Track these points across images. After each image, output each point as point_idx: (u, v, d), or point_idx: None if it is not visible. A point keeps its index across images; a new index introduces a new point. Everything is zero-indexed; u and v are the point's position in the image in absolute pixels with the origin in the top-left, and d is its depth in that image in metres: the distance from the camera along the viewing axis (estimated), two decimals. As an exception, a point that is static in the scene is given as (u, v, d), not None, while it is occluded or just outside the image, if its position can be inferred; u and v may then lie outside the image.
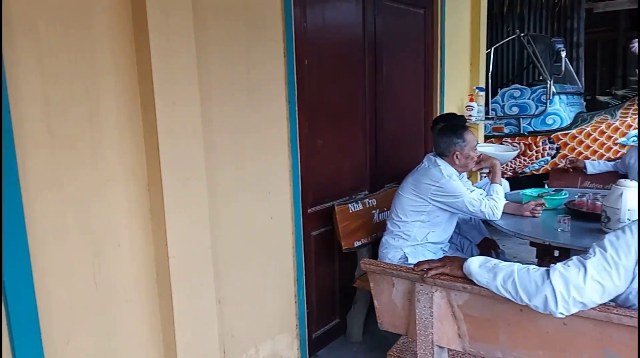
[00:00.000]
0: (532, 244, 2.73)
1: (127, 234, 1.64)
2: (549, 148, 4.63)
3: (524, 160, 4.76)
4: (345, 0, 2.71)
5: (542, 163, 4.67)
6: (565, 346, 1.32)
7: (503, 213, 2.37)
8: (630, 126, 4.34)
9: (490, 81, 4.61)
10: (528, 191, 2.71)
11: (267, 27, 2.12)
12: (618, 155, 4.25)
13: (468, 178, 3.92)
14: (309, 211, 2.49)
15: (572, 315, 1.23)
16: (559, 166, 4.35)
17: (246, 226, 2.09)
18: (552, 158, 4.63)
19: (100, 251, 1.56)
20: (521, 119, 4.74)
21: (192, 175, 1.72)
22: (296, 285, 2.37)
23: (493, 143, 4.74)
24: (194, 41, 1.70)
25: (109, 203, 1.58)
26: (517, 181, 4.47)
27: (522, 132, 4.75)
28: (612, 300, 1.26)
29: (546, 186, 3.53)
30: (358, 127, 2.88)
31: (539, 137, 4.66)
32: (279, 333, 2.30)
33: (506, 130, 4.86)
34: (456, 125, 2.45)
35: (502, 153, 4.04)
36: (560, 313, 1.20)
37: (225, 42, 1.93)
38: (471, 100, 3.94)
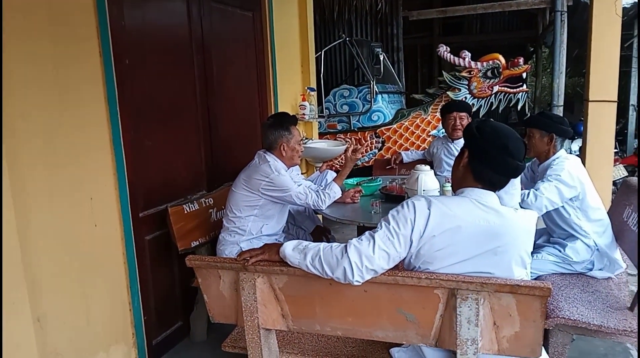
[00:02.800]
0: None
1: None
2: (376, 141, 5.15)
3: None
4: (168, 0, 2.68)
5: (371, 155, 5.17)
6: (368, 310, 1.52)
7: None
8: (439, 119, 5.03)
9: (322, 81, 4.94)
10: (349, 181, 3.00)
11: (77, 24, 2.01)
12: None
13: (304, 172, 4.18)
14: (140, 215, 2.41)
15: (370, 281, 1.42)
16: (384, 158, 4.86)
17: (66, 236, 1.96)
18: (379, 150, 5.16)
19: None
20: (351, 116, 5.19)
21: (-10, 184, 1.57)
22: (129, 293, 2.28)
23: (328, 139, 5.10)
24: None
25: None
26: (351, 173, 4.87)
27: (352, 128, 5.20)
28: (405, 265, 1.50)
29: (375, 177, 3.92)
30: (191, 127, 2.85)
31: (367, 132, 5.15)
32: (113, 344, 2.20)
33: (339, 127, 5.27)
34: (282, 120, 2.57)
35: (333, 147, 4.36)
36: (357, 280, 1.39)
37: (26, 40, 1.78)
38: (303, 99, 4.18)
